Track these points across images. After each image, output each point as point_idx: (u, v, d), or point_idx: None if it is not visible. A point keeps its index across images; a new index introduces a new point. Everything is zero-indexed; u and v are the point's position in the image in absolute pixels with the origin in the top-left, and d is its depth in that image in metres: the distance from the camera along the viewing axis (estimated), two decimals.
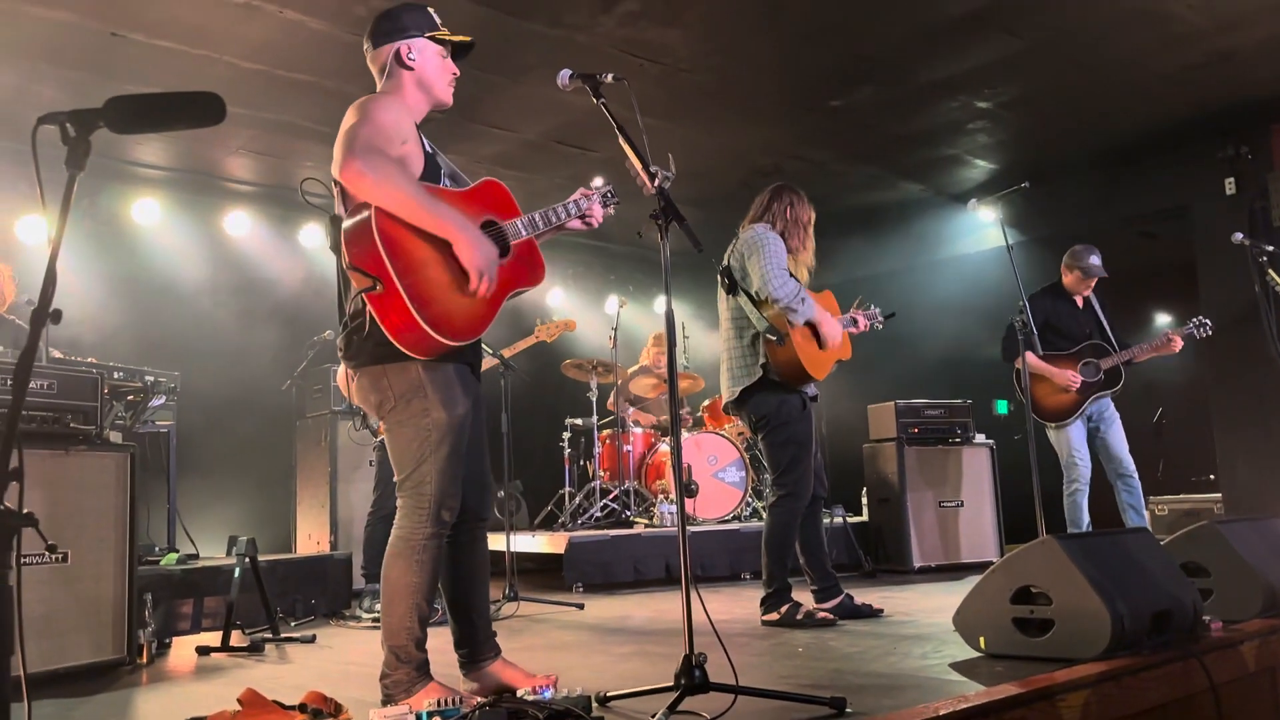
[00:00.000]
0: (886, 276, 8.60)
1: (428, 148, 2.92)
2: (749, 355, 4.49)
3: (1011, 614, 3.13)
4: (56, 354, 5.36)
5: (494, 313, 2.79)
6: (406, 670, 2.74)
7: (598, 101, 2.99)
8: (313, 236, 8.22)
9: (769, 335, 4.36)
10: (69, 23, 5.11)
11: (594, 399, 7.67)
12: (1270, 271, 5.86)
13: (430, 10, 3.02)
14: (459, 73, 3.05)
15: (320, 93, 5.98)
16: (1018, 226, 7.92)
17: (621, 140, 2.92)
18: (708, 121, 6.82)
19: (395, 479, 2.82)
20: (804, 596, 4.48)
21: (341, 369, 5.93)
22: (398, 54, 2.92)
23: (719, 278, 4.41)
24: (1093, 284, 5.97)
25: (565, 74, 3.03)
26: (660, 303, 10.23)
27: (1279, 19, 5.64)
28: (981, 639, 3.23)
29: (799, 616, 4.30)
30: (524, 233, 2.93)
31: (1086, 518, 5.75)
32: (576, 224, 3.15)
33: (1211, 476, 7.49)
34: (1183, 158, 7.48)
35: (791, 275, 4.44)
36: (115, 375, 5.24)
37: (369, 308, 2.63)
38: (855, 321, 4.82)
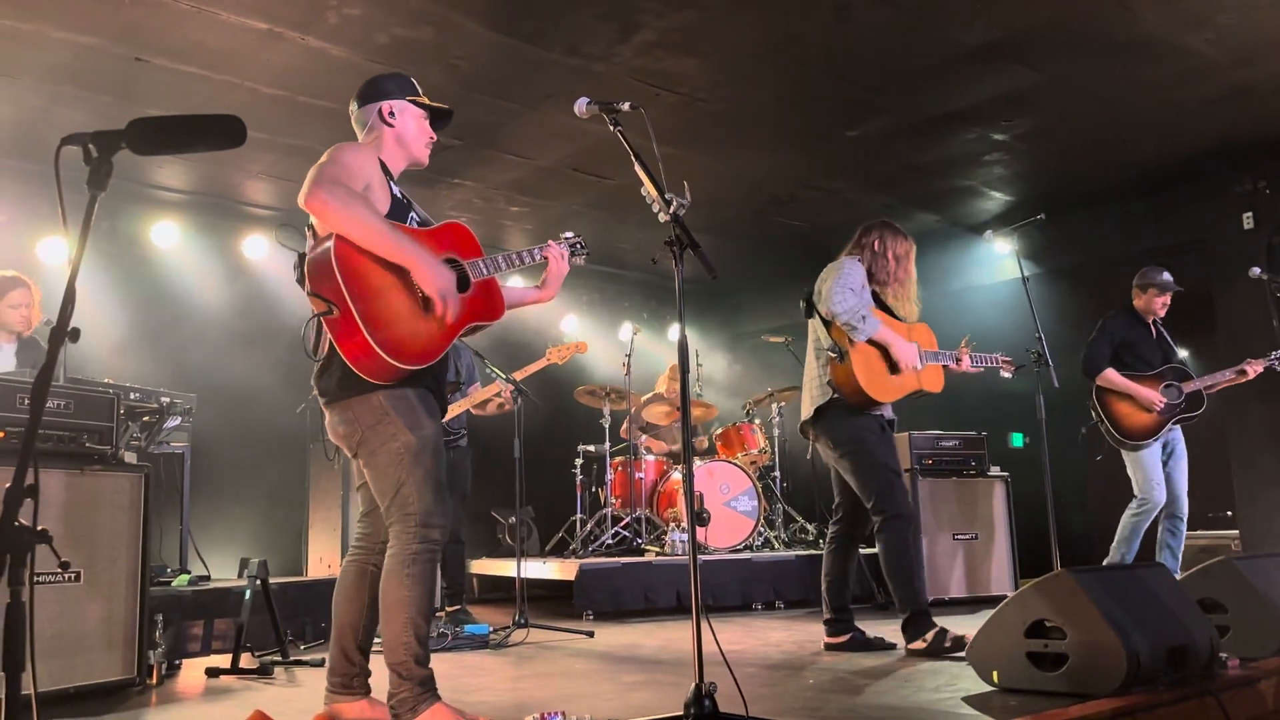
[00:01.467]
0: None
1: (397, 193, 3.05)
2: (823, 375, 4.53)
3: (1025, 648, 3.10)
4: (105, 379, 5.39)
5: (448, 342, 2.92)
6: (410, 687, 2.75)
7: (614, 129, 3.03)
8: None
9: (830, 352, 4.44)
10: (94, 47, 5.18)
11: (607, 426, 7.67)
12: None
13: (414, 81, 3.24)
14: (436, 138, 3.25)
15: (340, 119, 5.96)
16: (1033, 258, 7.91)
17: (638, 167, 2.94)
18: (723, 150, 6.85)
19: (381, 507, 2.89)
20: (801, 626, 4.44)
21: None
22: (380, 112, 3.14)
23: (800, 302, 4.64)
24: (1167, 302, 5.89)
25: (583, 102, 3.09)
26: (674, 330, 10.25)
27: None
28: (995, 673, 3.20)
29: (947, 643, 4.14)
30: (485, 271, 3.09)
31: (1137, 545, 5.66)
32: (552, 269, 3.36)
33: (1229, 513, 7.42)
34: (1200, 191, 7.47)
35: (885, 308, 4.51)
36: (131, 396, 5.26)
37: (330, 339, 2.78)
38: (959, 359, 4.70)
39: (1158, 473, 5.70)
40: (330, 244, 2.75)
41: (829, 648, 4.54)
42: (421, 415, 2.89)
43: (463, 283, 2.99)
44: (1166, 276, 5.86)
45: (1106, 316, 5.96)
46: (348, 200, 2.75)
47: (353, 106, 3.21)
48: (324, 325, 2.79)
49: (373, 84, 3.19)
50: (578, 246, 3.44)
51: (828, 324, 4.50)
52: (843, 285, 4.40)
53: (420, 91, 3.23)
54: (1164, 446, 5.77)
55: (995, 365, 4.87)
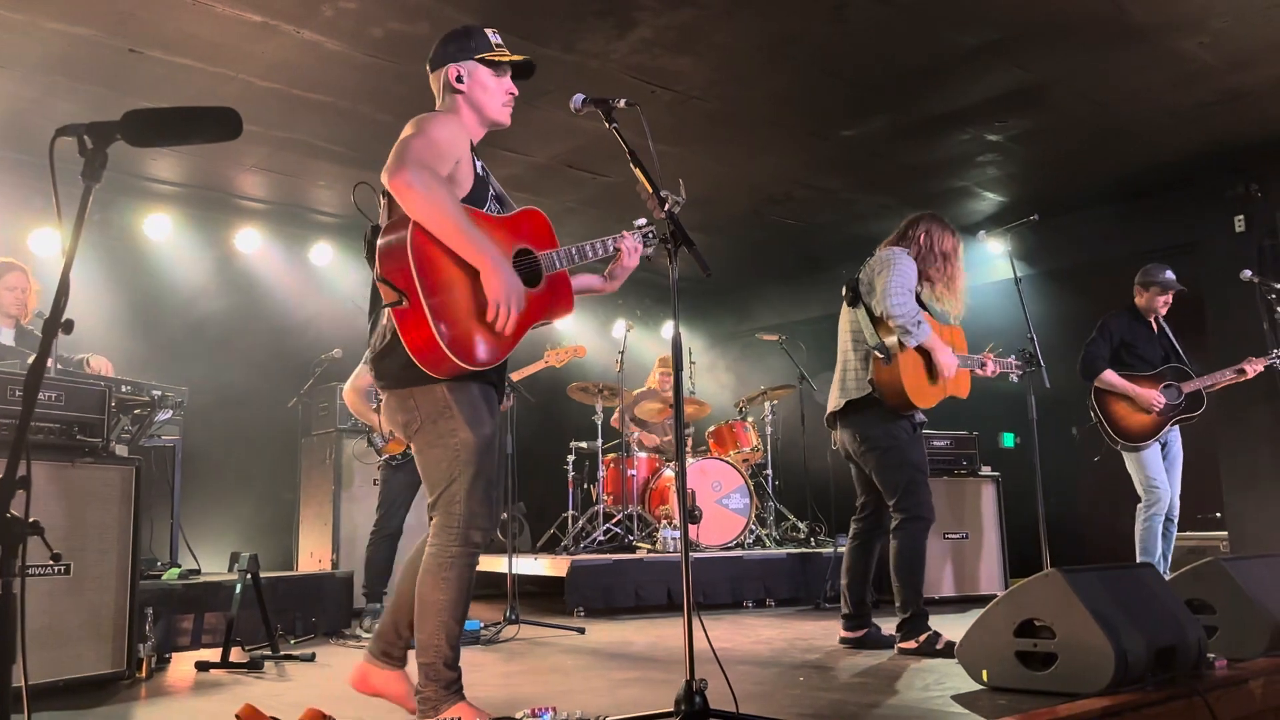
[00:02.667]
0: None
1: (479, 169, 2.95)
2: (861, 370, 4.43)
3: (1015, 647, 3.11)
4: (104, 364, 5.35)
5: (515, 342, 2.82)
6: (434, 689, 2.77)
7: (610, 126, 3.01)
8: (323, 255, 8.26)
9: (877, 353, 4.33)
10: (88, 38, 5.16)
11: (599, 422, 7.66)
12: (1279, 309, 5.84)
13: (488, 32, 3.03)
14: (517, 92, 3.07)
15: (335, 112, 6.02)
16: (1026, 259, 7.93)
17: (632, 165, 2.94)
18: (719, 148, 6.85)
19: (428, 499, 2.85)
20: (792, 624, 4.45)
21: (347, 386, 5.97)
22: (447, 76, 2.97)
23: (843, 288, 4.50)
24: (1169, 300, 5.86)
25: (578, 99, 3.06)
26: (668, 327, 10.25)
27: None
28: (984, 672, 3.21)
29: (938, 646, 4.16)
30: (558, 265, 2.96)
31: (1160, 546, 5.64)
32: (624, 262, 3.18)
33: (1218, 514, 7.45)
34: (1192, 194, 7.49)
35: (921, 304, 4.41)
36: (123, 389, 5.25)
37: (394, 326, 2.67)
38: (984, 364, 4.65)
39: (1158, 471, 5.67)
40: (408, 230, 2.65)
41: (844, 641, 4.55)
42: (484, 413, 2.82)
43: (535, 276, 2.89)
44: (1169, 275, 5.83)
45: (1107, 315, 5.92)
46: (432, 186, 2.63)
47: (427, 68, 3.05)
48: (390, 312, 2.68)
49: (444, 42, 3.00)
50: (649, 236, 3.22)
51: (874, 319, 4.39)
52: (900, 285, 4.29)
53: (494, 44, 3.00)
54: (1162, 447, 5.76)
55: (1011, 369, 4.82)
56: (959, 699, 3.11)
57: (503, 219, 2.92)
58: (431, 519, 2.85)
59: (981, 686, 3.22)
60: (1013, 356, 4.85)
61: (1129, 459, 5.76)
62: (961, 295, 4.55)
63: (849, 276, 4.61)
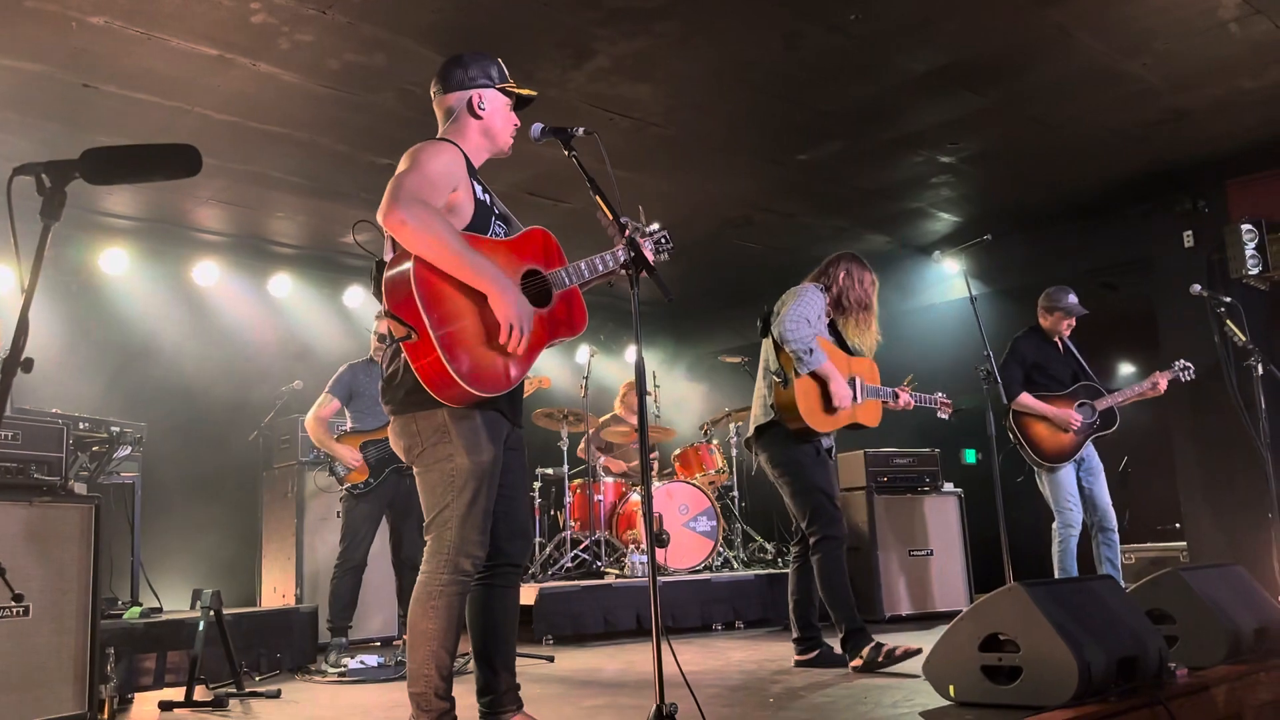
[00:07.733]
0: None
1: (479, 194, 2.96)
2: (768, 395, 4.61)
3: (980, 662, 3.14)
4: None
5: (529, 365, 2.83)
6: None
7: (569, 154, 3.05)
8: (282, 286, 8.21)
9: (775, 375, 4.51)
10: (42, 74, 5.12)
11: (565, 448, 7.66)
12: (1229, 322, 5.97)
13: (500, 62, 3.11)
14: (520, 124, 3.15)
15: (291, 144, 6.00)
16: (981, 278, 8.05)
17: (592, 192, 2.97)
18: (678, 174, 6.91)
19: (424, 521, 2.83)
20: (761, 646, 4.47)
21: (309, 416, 5.93)
22: (469, 102, 3.03)
23: (758, 320, 4.68)
24: (1072, 324, 5.95)
25: (537, 128, 3.11)
26: (631, 352, 10.27)
27: (1228, 80, 5.83)
28: (951, 687, 3.24)
29: (880, 658, 4.23)
30: (568, 282, 2.98)
31: (1075, 567, 5.70)
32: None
33: (1177, 525, 7.57)
34: (1142, 211, 7.65)
35: (840, 339, 4.64)
36: (80, 425, 5.18)
37: (403, 356, 2.68)
38: (896, 396, 4.80)
39: (1072, 489, 5.73)
40: (410, 265, 2.66)
41: (799, 664, 4.60)
42: (483, 440, 2.79)
43: (545, 296, 2.90)
44: (1073, 299, 5.90)
45: (1015, 338, 6.00)
46: (424, 219, 2.64)
47: (434, 89, 3.08)
48: (401, 345, 2.69)
49: (461, 69, 3.04)
50: (662, 241, 3.21)
51: (776, 346, 4.58)
52: (798, 314, 4.48)
53: (508, 75, 3.11)
54: (1079, 463, 5.83)
55: (934, 405, 5.02)
56: (927, 715, 3.14)
57: (507, 242, 2.94)
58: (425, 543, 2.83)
59: (949, 702, 3.24)
60: (939, 394, 5.03)
61: (1044, 480, 5.81)
62: (875, 332, 4.75)
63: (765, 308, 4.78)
